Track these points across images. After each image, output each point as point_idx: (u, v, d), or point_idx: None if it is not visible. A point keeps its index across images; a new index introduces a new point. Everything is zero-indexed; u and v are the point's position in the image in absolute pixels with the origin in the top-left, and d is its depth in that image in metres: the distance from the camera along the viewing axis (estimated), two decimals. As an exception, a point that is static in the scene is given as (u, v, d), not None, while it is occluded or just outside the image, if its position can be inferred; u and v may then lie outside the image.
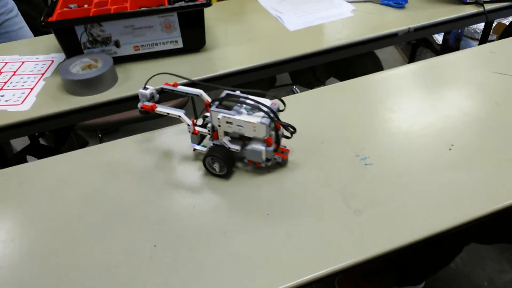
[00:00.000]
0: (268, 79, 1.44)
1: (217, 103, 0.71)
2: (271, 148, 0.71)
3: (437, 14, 1.22)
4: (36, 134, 1.31)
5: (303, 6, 1.29)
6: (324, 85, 1.01)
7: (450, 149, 0.76)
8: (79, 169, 0.79)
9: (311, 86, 1.66)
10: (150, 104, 0.77)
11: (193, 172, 0.76)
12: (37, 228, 0.68)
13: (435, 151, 0.76)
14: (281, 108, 0.71)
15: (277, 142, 0.72)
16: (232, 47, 1.15)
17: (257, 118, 0.68)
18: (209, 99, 0.76)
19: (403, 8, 1.26)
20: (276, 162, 0.75)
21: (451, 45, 2.15)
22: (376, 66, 1.43)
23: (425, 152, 0.76)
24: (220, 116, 0.69)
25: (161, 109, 0.77)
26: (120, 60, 1.07)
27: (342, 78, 1.32)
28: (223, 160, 0.71)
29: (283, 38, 1.18)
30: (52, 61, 1.12)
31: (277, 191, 0.71)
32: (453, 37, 2.13)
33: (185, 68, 1.07)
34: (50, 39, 1.23)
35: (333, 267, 0.59)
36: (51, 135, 1.38)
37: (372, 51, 1.44)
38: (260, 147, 0.71)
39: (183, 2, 1.07)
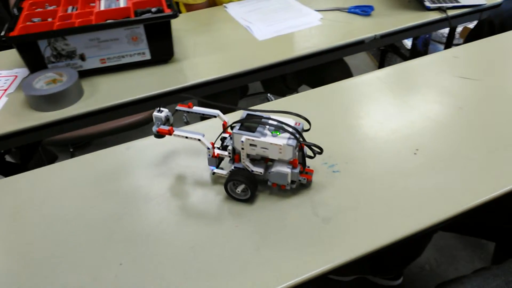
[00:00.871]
0: (240, 88, 1.44)
1: (239, 124, 0.68)
2: (297, 170, 0.68)
3: (402, 21, 1.25)
4: (1, 151, 1.27)
5: (272, 16, 1.30)
6: (297, 92, 1.01)
7: (415, 153, 0.78)
8: (43, 187, 0.77)
9: (282, 94, 1.67)
10: (166, 128, 0.72)
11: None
12: (-2, 250, 0.66)
13: (401, 156, 0.77)
14: (305, 128, 0.69)
15: (303, 163, 0.69)
16: (201, 58, 1.15)
17: (283, 139, 0.65)
18: (227, 120, 0.74)
19: (370, 16, 1.28)
20: (301, 183, 0.72)
21: (419, 50, 2.20)
22: (345, 72, 1.45)
23: (391, 157, 0.77)
24: (243, 138, 0.66)
25: (179, 133, 0.72)
26: (86, 74, 1.06)
27: (313, 86, 1.33)
28: (247, 184, 0.68)
29: (253, 47, 1.18)
30: (16, 76, 1.09)
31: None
32: (421, 42, 2.18)
33: (154, 80, 1.06)
34: (13, 54, 1.19)
35: (301, 277, 0.59)
36: (18, 152, 1.34)
37: (341, 58, 1.46)
38: (286, 169, 0.67)
39: (150, 14, 1.07)
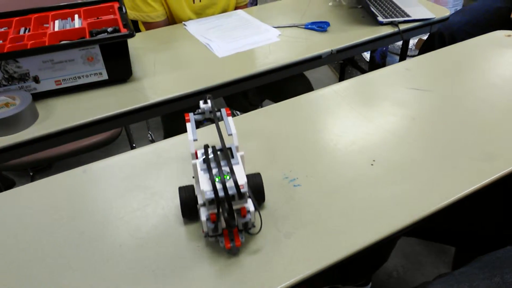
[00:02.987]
0: (202, 105, 1.44)
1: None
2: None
3: (357, 35, 1.29)
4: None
5: (231, 33, 1.31)
6: (261, 107, 1.03)
7: (372, 164, 0.80)
8: (-6, 216, 0.73)
9: (245, 110, 1.68)
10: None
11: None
12: None
13: (359, 168, 0.79)
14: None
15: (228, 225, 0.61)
16: (161, 76, 1.14)
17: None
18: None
19: (326, 32, 1.32)
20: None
21: (378, 62, 2.28)
22: (306, 86, 1.48)
23: (349, 169, 0.79)
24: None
25: None
26: (41, 96, 1.03)
27: (275, 100, 1.35)
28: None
29: (213, 64, 1.19)
30: (-34, 100, 1.05)
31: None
32: (379, 55, 2.26)
33: (112, 100, 1.05)
34: (-37, 77, 1.15)
35: (264, 294, 0.59)
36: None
37: (301, 73, 1.49)
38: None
39: (106, 34, 1.06)
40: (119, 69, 1.07)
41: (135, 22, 1.49)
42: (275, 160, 0.82)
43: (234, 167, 0.61)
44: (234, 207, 0.60)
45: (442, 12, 1.41)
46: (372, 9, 1.38)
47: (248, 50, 1.24)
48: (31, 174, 1.92)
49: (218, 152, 0.64)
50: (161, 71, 1.16)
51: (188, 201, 0.67)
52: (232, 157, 0.63)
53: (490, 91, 0.98)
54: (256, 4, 2.21)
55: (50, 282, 0.62)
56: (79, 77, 1.03)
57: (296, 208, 0.72)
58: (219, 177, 0.59)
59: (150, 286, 0.60)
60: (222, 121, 0.72)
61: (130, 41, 1.06)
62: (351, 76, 2.37)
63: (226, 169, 0.61)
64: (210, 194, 0.58)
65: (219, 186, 0.58)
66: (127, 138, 1.56)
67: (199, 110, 0.74)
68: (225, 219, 0.58)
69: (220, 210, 0.58)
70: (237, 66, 1.17)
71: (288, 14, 1.47)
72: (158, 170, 0.81)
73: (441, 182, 0.75)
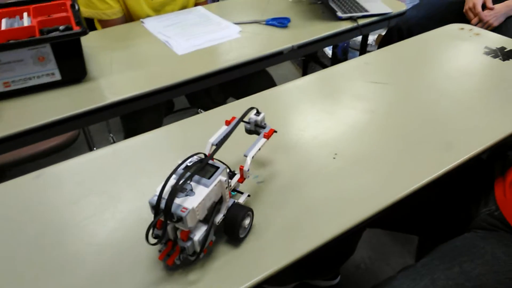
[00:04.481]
0: (164, 104, 1.41)
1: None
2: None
3: (317, 31, 1.29)
4: None
5: (191, 30, 1.29)
6: (225, 104, 1.01)
7: (334, 158, 0.80)
8: None
9: (208, 108, 1.66)
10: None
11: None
12: None
13: (321, 162, 0.79)
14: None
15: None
16: (118, 75, 1.10)
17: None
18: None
19: (287, 28, 1.32)
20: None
21: (339, 58, 2.31)
22: (268, 82, 1.47)
23: (312, 163, 0.79)
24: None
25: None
26: (-12, 99, 0.97)
27: (239, 97, 1.33)
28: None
29: (172, 62, 1.16)
30: None
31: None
32: (340, 50, 2.29)
33: (66, 101, 1.00)
34: None
35: (227, 295, 0.57)
36: None
37: (264, 69, 1.48)
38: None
39: (57, 32, 1.01)
40: (73, 69, 1.03)
41: (91, 20, 1.44)
42: (237, 157, 0.81)
43: (199, 188, 0.56)
44: (177, 225, 0.55)
45: (399, 6, 1.44)
46: (332, 4, 1.39)
47: (208, 47, 1.22)
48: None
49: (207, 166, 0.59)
50: (118, 70, 1.12)
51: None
52: (209, 177, 0.58)
53: (446, 82, 1.01)
54: (218, 0, 2.19)
55: (-1, 296, 0.58)
56: (30, 78, 0.98)
57: (260, 206, 0.71)
58: (187, 193, 0.56)
59: (108, 294, 0.57)
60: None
61: (85, 40, 1.02)
62: (314, 71, 2.38)
63: (202, 186, 0.57)
64: (153, 200, 0.55)
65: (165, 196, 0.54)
66: (87, 142, 1.51)
67: (249, 120, 0.72)
68: (148, 227, 0.54)
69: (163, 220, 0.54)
70: (197, 64, 1.15)
71: (249, 10, 1.46)
72: (116, 173, 0.78)
73: (401, 172, 0.76)
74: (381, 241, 1.56)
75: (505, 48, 1.14)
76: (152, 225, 0.54)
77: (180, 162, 0.59)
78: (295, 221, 0.67)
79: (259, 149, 0.68)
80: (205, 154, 0.62)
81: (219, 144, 0.63)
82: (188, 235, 0.56)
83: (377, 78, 1.03)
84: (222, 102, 1.63)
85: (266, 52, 1.20)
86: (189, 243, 0.56)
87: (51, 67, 0.99)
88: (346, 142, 0.83)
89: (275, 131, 0.72)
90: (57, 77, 1.01)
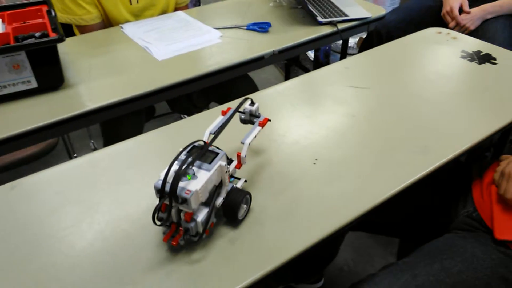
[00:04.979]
0: (145, 110, 1.39)
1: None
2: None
3: (297, 36, 1.30)
4: None
5: (171, 35, 1.28)
6: (208, 109, 1.00)
7: (314, 163, 0.80)
8: None
9: (190, 113, 1.66)
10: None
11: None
12: None
13: (302, 167, 0.79)
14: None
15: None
16: (97, 81, 1.09)
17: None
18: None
19: (267, 33, 1.32)
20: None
21: (321, 61, 2.32)
22: (251, 87, 1.47)
23: (293, 169, 0.79)
24: None
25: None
26: (-39, 108, 0.94)
27: (221, 102, 1.33)
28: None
29: (152, 68, 1.15)
30: None
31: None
32: (322, 54, 2.31)
33: (44, 109, 0.98)
34: None
35: (208, 305, 0.57)
36: None
37: (246, 74, 1.48)
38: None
39: (33, 39, 0.99)
40: (50, 76, 1.01)
41: (69, 26, 1.41)
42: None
43: (201, 172, 0.60)
44: (181, 207, 0.59)
45: (378, 11, 1.46)
46: (312, 9, 1.40)
47: (189, 52, 1.21)
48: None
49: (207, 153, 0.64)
50: (97, 76, 1.11)
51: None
52: (210, 162, 0.62)
53: (424, 86, 1.03)
54: (199, 5, 2.18)
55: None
56: (5, 86, 0.96)
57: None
58: (190, 176, 0.59)
59: (86, 308, 0.56)
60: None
61: (62, 46, 1.00)
62: (297, 75, 2.39)
63: (203, 171, 0.61)
64: (157, 184, 0.59)
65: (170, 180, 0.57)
66: (67, 149, 1.48)
67: (244, 110, 0.76)
68: (154, 209, 0.57)
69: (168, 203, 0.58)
70: (178, 69, 1.14)
71: (229, 15, 1.46)
72: (94, 182, 0.77)
73: (381, 176, 0.77)
74: (364, 243, 1.57)
75: (481, 52, 1.16)
76: (157, 208, 0.58)
77: (179, 151, 0.62)
78: (276, 228, 0.67)
79: (255, 136, 0.72)
80: (204, 142, 0.65)
81: (217, 133, 0.67)
82: (191, 217, 0.60)
83: (357, 83, 1.04)
84: (204, 107, 1.63)
85: (247, 57, 1.20)
86: (192, 224, 0.60)
87: (27, 75, 0.96)
88: (327, 146, 0.84)
89: (269, 120, 0.75)
90: (33, 84, 0.99)
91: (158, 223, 0.59)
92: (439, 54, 1.18)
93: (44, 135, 0.97)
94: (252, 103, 0.75)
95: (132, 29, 1.31)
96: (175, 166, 0.59)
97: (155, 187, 0.59)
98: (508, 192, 0.80)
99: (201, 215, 0.61)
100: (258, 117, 0.75)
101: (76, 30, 1.41)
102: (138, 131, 1.32)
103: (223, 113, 0.73)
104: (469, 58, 1.13)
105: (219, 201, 0.64)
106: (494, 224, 0.82)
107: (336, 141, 0.85)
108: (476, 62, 1.12)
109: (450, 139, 0.85)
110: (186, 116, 2.24)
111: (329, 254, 1.21)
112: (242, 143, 0.70)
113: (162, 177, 0.58)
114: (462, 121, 0.90)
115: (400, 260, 0.81)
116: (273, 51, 1.23)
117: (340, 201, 0.72)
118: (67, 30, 1.45)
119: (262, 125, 0.74)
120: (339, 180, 0.76)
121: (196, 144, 0.64)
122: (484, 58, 1.13)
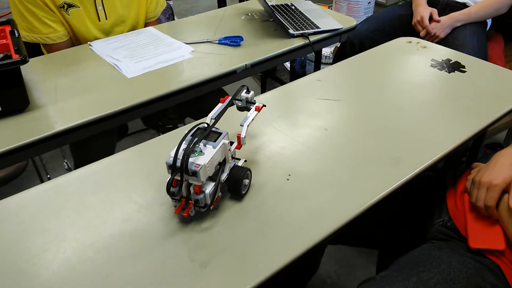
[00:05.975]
0: (117, 128, 1.36)
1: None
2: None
3: (270, 49, 1.30)
4: None
5: (141, 51, 1.26)
6: (184, 125, 0.98)
7: (288, 179, 0.79)
8: None
9: (165, 130, 1.63)
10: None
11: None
12: None
13: (275, 184, 0.78)
14: None
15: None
16: (64, 102, 1.06)
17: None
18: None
19: (240, 46, 1.31)
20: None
21: (298, 72, 2.33)
22: (225, 101, 1.46)
23: (266, 186, 0.77)
24: None
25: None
26: None
27: (196, 117, 1.31)
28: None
29: (122, 86, 1.12)
30: None
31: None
32: (298, 64, 2.32)
33: (7, 134, 0.94)
34: None
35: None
36: None
37: (220, 88, 1.47)
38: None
39: (-5, 60, 0.95)
40: (14, 99, 0.97)
41: (37, 45, 1.38)
42: (189, 184, 0.79)
43: (207, 149, 0.68)
44: (191, 181, 0.67)
45: (349, 22, 1.47)
46: (283, 22, 1.40)
47: (159, 68, 1.19)
48: None
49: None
50: (64, 97, 1.08)
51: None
52: (215, 140, 0.69)
53: (395, 96, 1.03)
54: (173, 19, 2.17)
55: None
56: (-35, 111, 0.92)
57: (213, 234, 0.68)
58: (197, 153, 0.67)
59: None
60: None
61: (28, 66, 0.97)
62: (274, 86, 2.40)
63: (209, 148, 0.68)
64: (169, 160, 0.66)
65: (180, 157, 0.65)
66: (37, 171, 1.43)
67: (239, 97, 0.82)
68: (167, 183, 0.65)
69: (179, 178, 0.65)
70: (148, 86, 1.12)
71: (201, 29, 1.45)
72: (59, 209, 0.74)
73: (354, 190, 0.76)
74: (346, 255, 1.56)
75: (451, 60, 1.18)
76: (169, 183, 0.66)
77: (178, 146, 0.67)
78: (249, 249, 0.66)
79: (252, 119, 0.78)
80: (208, 124, 0.73)
81: (217, 117, 0.74)
82: (200, 189, 0.67)
83: (330, 95, 1.03)
84: (179, 122, 1.60)
85: (219, 72, 1.19)
86: (201, 196, 0.67)
87: (-11, 98, 0.93)
88: (300, 162, 0.83)
89: (264, 105, 0.81)
90: (-4, 108, 0.95)
91: (173, 198, 0.69)
92: (409, 63, 1.19)
93: (10, 159, 0.94)
94: (248, 91, 0.82)
95: (101, 47, 1.29)
96: (184, 145, 0.67)
97: (167, 163, 0.66)
98: (479, 200, 0.80)
99: (209, 188, 0.68)
100: (254, 103, 0.81)
101: (43, 49, 1.37)
102: (110, 151, 1.29)
103: (222, 101, 0.80)
104: (439, 67, 1.15)
105: (224, 176, 0.72)
106: (468, 233, 0.82)
107: (309, 156, 0.84)
108: (446, 71, 1.13)
109: (423, 149, 0.85)
110: (162, 133, 2.21)
111: (310, 269, 1.19)
112: (241, 125, 0.76)
113: (172, 155, 0.65)
114: (434, 130, 0.91)
115: (378, 275, 0.80)
116: (245, 65, 1.22)
117: (314, 217, 0.71)
118: (35, 49, 1.42)
119: (258, 109, 0.80)
120: (313, 196, 0.75)
121: (200, 126, 0.71)
122: (454, 67, 1.15)
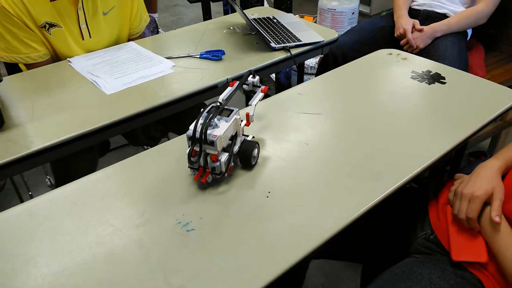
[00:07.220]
0: (99, 145, 1.34)
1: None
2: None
3: (251, 62, 1.29)
4: None
5: (120, 67, 1.24)
6: (168, 139, 0.97)
7: (267, 196, 0.78)
8: None
9: (147, 145, 1.61)
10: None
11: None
12: None
13: (254, 202, 0.76)
14: None
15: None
16: (41, 121, 1.03)
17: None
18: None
19: (221, 60, 1.31)
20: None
21: (283, 83, 2.33)
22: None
23: (244, 205, 0.76)
24: None
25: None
26: None
27: (179, 131, 1.29)
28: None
29: (101, 103, 1.11)
30: None
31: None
32: (283, 76, 2.32)
33: (-19, 154, 0.92)
34: None
35: None
36: None
37: (202, 102, 1.46)
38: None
39: (-33, 79, 0.93)
40: (-12, 119, 0.95)
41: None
42: (166, 203, 0.77)
43: (222, 122, 0.77)
44: (208, 151, 0.76)
45: (331, 34, 1.47)
46: (265, 35, 1.40)
47: (140, 84, 1.18)
48: None
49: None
50: (41, 115, 1.05)
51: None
52: (228, 116, 0.78)
53: (376, 108, 1.03)
54: (158, 33, 2.16)
55: None
56: None
57: (190, 256, 0.67)
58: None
59: None
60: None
61: (3, 85, 0.95)
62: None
63: (224, 122, 0.78)
64: (189, 133, 0.75)
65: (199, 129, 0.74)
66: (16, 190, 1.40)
67: (247, 82, 0.91)
68: (188, 153, 0.75)
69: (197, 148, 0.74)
70: (128, 103, 1.10)
71: (182, 43, 1.44)
72: (32, 233, 0.71)
73: (336, 205, 0.75)
74: (333, 267, 1.55)
75: (431, 72, 1.18)
76: (189, 153, 0.75)
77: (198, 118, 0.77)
78: (227, 270, 0.64)
79: (260, 99, 0.90)
80: (220, 103, 0.82)
81: (227, 99, 0.83)
82: (217, 157, 0.76)
83: (310, 109, 1.03)
84: (162, 137, 1.58)
85: (200, 86, 1.18)
86: (217, 163, 0.77)
87: (-39, 118, 0.91)
88: (280, 178, 0.82)
89: (269, 88, 0.92)
90: (-31, 128, 0.93)
91: (191, 167, 0.79)
92: (390, 75, 1.19)
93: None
94: (254, 76, 0.91)
95: (80, 63, 1.27)
96: (201, 120, 0.75)
97: (187, 136, 0.75)
98: (461, 212, 0.80)
99: (224, 157, 0.77)
100: (259, 86, 0.91)
101: (22, 66, 1.35)
102: (92, 168, 1.26)
103: (231, 85, 0.88)
104: (419, 79, 1.15)
105: (236, 148, 0.81)
106: (451, 245, 0.81)
107: (289, 172, 0.83)
108: (426, 82, 1.13)
109: (404, 162, 0.85)
110: (146, 147, 2.19)
111: (295, 283, 1.17)
112: (250, 104, 0.89)
113: (192, 128, 0.75)
114: (415, 142, 0.91)
115: (362, 288, 0.79)
116: (227, 79, 1.22)
117: (295, 234, 0.70)
118: (14, 65, 1.40)
119: (263, 91, 0.90)
120: (293, 212, 0.74)
121: (213, 105, 0.80)
122: (434, 78, 1.15)
